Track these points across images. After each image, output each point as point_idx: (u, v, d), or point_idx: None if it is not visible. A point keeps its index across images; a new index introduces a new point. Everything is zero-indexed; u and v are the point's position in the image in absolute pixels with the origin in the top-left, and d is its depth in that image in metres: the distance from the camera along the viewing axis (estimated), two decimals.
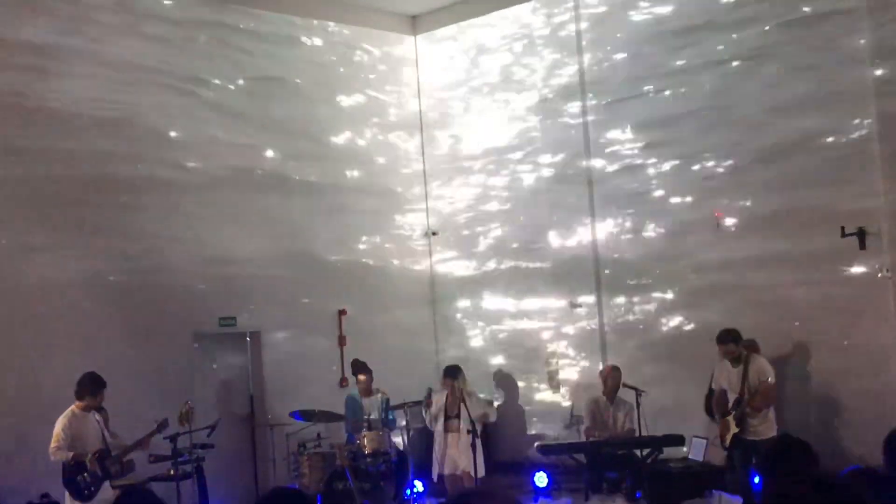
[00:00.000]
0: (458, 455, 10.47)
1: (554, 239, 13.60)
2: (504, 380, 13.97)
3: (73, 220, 11.34)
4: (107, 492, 9.03)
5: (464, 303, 14.50)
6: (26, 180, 11.00)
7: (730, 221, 11.73)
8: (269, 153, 13.27)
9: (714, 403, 9.87)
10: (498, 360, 14.09)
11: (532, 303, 13.81)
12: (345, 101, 14.18)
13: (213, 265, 12.42)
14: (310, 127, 13.72)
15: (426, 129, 14.86)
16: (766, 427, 9.35)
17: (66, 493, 9.17)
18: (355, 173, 14.14)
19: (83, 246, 11.37)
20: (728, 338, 9.46)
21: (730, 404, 9.54)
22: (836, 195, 10.78)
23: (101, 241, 11.51)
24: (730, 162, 11.80)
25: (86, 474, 9.06)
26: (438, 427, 10.58)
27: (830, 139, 10.95)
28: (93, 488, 9.04)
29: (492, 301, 14.22)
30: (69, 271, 11.20)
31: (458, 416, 10.41)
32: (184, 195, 12.33)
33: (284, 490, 3.73)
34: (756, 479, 6.99)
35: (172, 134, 12.31)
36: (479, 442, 10.23)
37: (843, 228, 10.45)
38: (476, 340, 14.35)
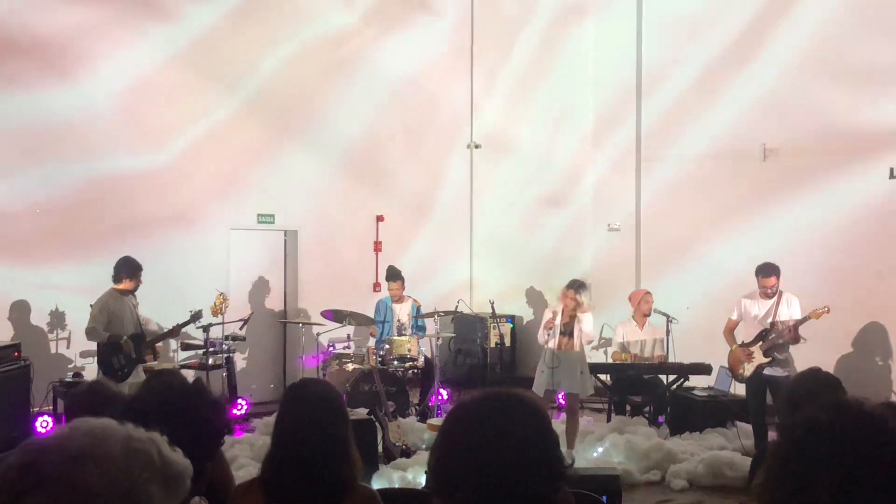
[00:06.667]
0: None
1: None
2: (534, 296, 14.00)
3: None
4: (139, 375, 9.12)
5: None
6: None
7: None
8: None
9: (726, 332, 9.83)
10: (530, 279, 14.12)
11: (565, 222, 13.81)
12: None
13: (255, 163, 12.47)
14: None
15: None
16: (790, 362, 9.34)
17: (99, 373, 9.33)
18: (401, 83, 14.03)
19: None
20: (772, 272, 9.40)
21: (753, 337, 9.52)
22: None
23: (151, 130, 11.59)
24: None
25: (120, 356, 9.20)
26: (551, 343, 9.71)
27: None
28: (126, 370, 9.17)
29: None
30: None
31: (571, 335, 9.73)
32: None
33: (314, 380, 3.79)
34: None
35: None
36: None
37: (892, 170, 10.31)
38: (509, 258, 14.38)
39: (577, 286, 9.62)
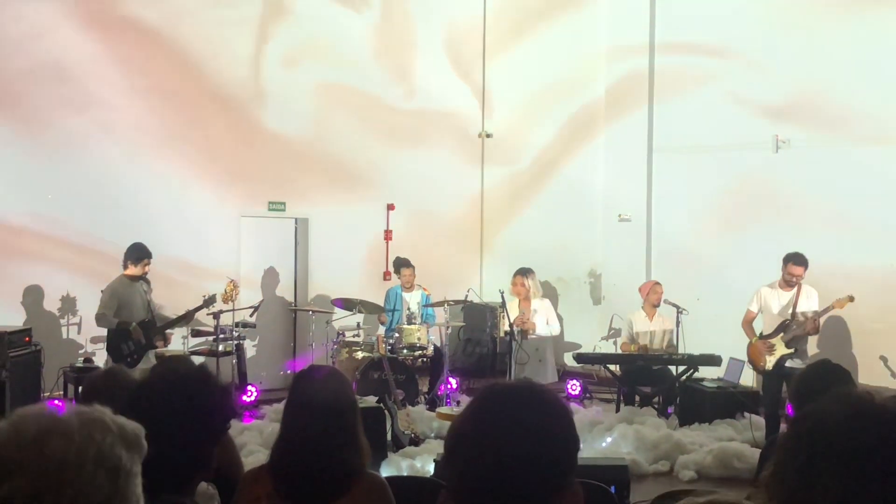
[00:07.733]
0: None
1: None
2: (543, 286, 13.96)
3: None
4: (149, 361, 9.14)
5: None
6: None
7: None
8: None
9: (745, 324, 9.79)
10: (540, 269, 14.07)
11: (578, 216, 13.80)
12: None
13: (266, 150, 12.47)
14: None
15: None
16: (808, 354, 9.34)
17: (109, 359, 9.35)
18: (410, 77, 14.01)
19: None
20: (803, 262, 9.34)
21: (774, 328, 9.48)
22: None
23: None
24: None
25: (130, 342, 9.22)
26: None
27: None
28: (136, 356, 9.19)
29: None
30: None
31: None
32: None
33: (323, 367, 3.79)
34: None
35: None
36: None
37: None
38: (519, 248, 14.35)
39: (524, 272, 9.74)
